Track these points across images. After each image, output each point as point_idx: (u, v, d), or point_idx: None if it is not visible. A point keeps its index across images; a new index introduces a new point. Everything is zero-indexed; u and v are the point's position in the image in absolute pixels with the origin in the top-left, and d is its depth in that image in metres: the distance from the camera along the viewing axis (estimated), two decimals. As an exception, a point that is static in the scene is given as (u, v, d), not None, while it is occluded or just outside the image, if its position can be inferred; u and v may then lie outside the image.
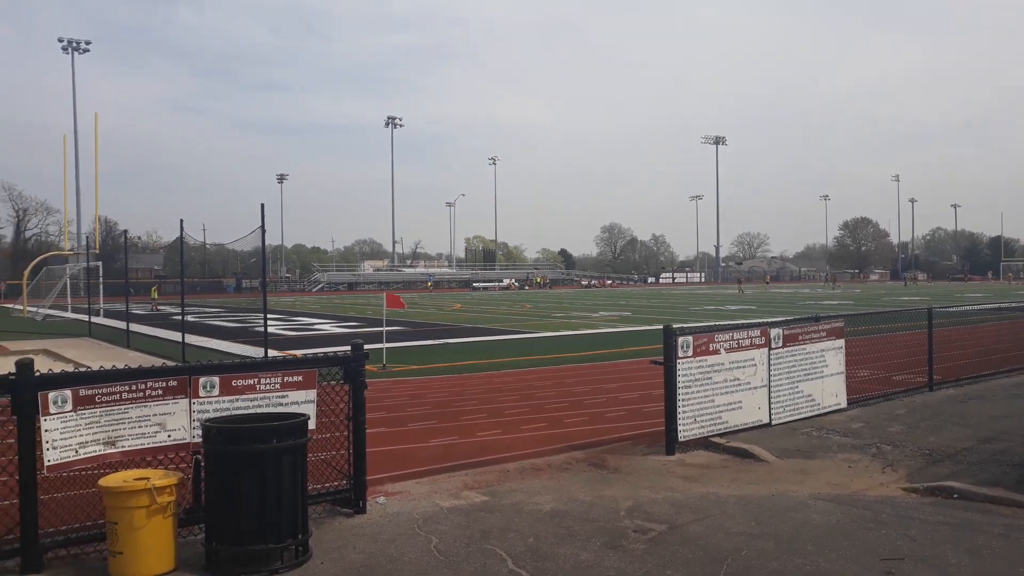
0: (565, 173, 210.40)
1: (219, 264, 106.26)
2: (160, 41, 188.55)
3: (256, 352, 19.11)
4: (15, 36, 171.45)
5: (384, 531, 6.06)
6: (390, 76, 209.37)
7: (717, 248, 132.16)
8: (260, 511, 5.23)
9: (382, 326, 19.95)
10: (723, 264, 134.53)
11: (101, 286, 38.22)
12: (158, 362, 17.06)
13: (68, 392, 5.45)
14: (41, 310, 40.27)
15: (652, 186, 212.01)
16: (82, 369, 5.79)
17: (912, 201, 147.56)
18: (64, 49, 76.32)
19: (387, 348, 18.06)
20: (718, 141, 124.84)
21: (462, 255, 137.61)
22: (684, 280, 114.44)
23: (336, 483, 6.61)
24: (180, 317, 21.45)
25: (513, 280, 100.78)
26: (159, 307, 47.47)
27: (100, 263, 39.01)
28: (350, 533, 6.04)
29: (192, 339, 20.68)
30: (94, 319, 29.16)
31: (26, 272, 45.65)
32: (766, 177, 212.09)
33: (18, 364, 5.41)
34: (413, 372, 16.00)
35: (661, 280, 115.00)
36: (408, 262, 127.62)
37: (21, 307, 42.76)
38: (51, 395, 5.38)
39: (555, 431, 10.00)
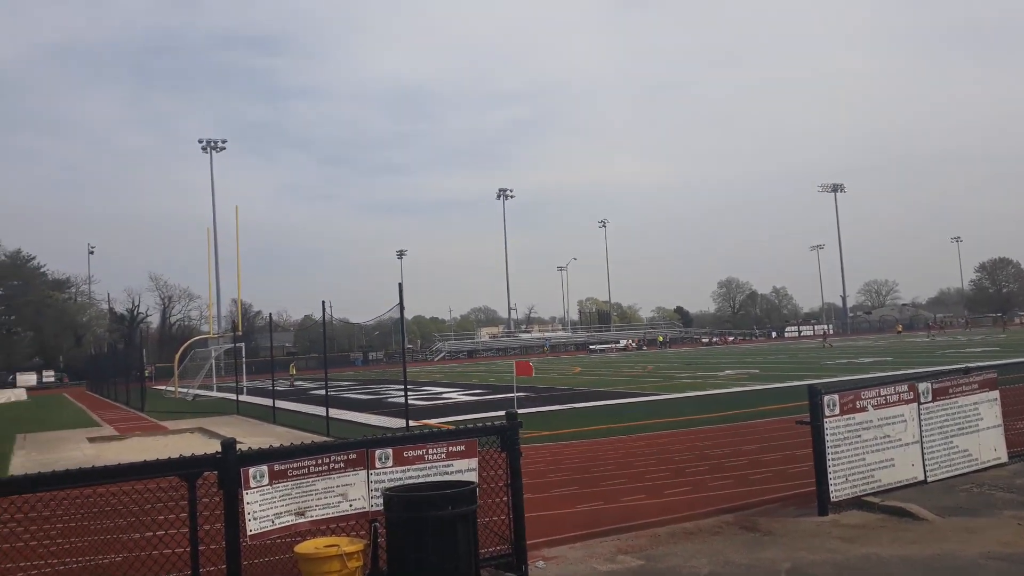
0: (677, 230, 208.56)
1: (345, 338, 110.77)
2: (285, 134, 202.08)
3: (394, 422, 19.92)
4: (158, 140, 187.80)
5: (549, 594, 6.32)
6: (499, 150, 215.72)
7: (843, 298, 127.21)
8: (439, 574, 5.62)
9: (506, 392, 20.45)
10: (851, 314, 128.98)
11: (244, 365, 40.70)
12: (307, 436, 18.08)
13: (265, 467, 6.08)
14: (191, 390, 43.16)
15: (770, 238, 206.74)
16: (242, 446, 6.40)
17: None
18: (203, 149, 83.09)
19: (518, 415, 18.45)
20: (836, 188, 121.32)
21: (576, 318, 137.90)
22: (811, 333, 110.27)
23: (497, 548, 6.94)
24: (317, 391, 22.67)
25: (631, 340, 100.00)
26: (296, 382, 49.94)
27: (243, 344, 41.60)
28: (517, 596, 6.33)
29: (333, 412, 21.76)
30: (240, 397, 31.05)
31: (176, 355, 49.16)
32: (890, 221, 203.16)
33: (223, 444, 6.09)
34: (545, 438, 16.28)
35: (786, 334, 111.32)
36: (523, 327, 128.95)
37: (172, 388, 45.94)
38: (251, 470, 6.02)
39: (700, 495, 10.02)
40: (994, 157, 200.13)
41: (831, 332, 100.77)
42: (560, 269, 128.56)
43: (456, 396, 31.05)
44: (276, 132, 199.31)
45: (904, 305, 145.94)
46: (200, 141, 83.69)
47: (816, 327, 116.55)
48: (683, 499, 9.80)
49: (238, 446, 6.08)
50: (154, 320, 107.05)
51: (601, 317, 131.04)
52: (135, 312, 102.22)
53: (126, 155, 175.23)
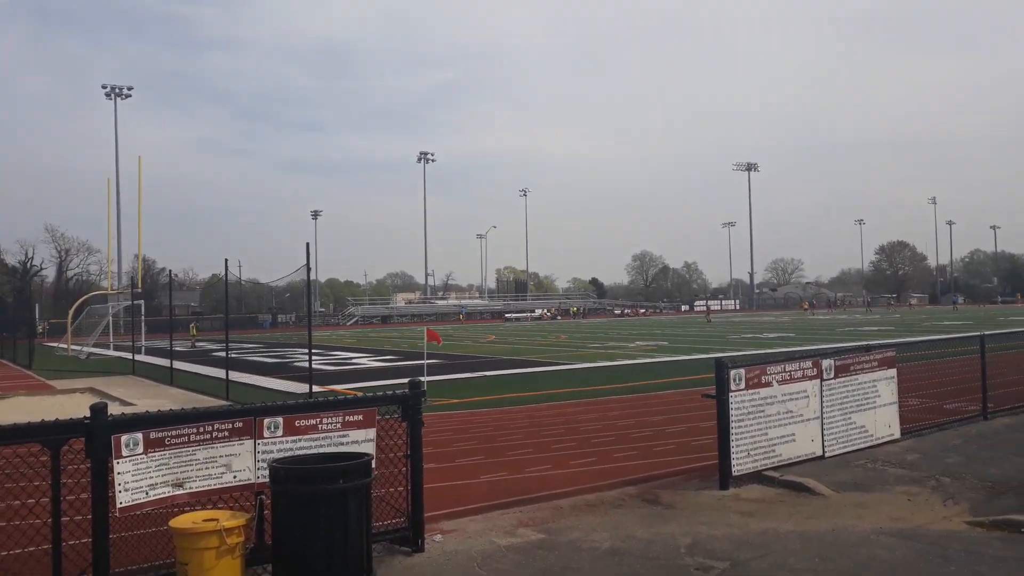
0: (595, 203, 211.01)
1: (254, 300, 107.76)
2: (198, 86, 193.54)
3: (298, 387, 19.31)
4: (61, 84, 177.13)
5: (444, 570, 6.08)
6: (422, 113, 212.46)
7: (751, 275, 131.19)
8: (327, 551, 5.30)
9: (418, 359, 20.13)
10: (757, 291, 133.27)
11: (143, 324, 38.91)
12: (205, 400, 17.32)
13: (140, 435, 5.59)
14: (85, 348, 41.07)
15: (683, 214, 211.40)
16: (131, 408, 5.92)
17: (950, 223, 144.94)
18: (107, 95, 78.65)
19: (427, 381, 18.14)
20: (750, 167, 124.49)
21: (493, 286, 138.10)
22: (718, 307, 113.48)
23: (393, 521, 6.65)
24: (220, 353, 21.81)
25: (545, 310, 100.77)
26: (198, 343, 48.21)
27: (142, 301, 39.77)
28: (410, 572, 6.07)
29: (234, 375, 20.95)
30: (137, 356, 29.67)
31: (71, 311, 46.67)
32: (799, 202, 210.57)
33: (92, 408, 5.56)
34: (454, 406, 16.04)
35: (695, 308, 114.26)
36: (440, 294, 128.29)
37: (65, 346, 43.65)
38: (123, 438, 5.52)
39: (604, 466, 9.96)
40: (899, 144, 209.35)
41: (716, 309, 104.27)
42: (479, 237, 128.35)
43: (366, 362, 30.48)
44: (191, 84, 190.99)
45: (808, 283, 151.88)
46: (104, 87, 79.21)
47: (723, 302, 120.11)
48: (588, 471, 9.71)
49: (130, 408, 5.59)
50: (49, 274, 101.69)
51: (518, 286, 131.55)
52: (28, 264, 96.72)
53: (23, 97, 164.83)
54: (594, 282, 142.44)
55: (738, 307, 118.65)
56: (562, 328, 61.28)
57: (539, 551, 6.50)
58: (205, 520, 5.38)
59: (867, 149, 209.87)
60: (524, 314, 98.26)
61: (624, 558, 6.24)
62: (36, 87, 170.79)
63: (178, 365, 24.81)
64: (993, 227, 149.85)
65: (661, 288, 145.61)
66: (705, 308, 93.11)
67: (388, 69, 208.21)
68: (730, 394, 8.65)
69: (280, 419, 6.12)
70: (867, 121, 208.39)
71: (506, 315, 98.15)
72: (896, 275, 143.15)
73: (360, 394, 8.09)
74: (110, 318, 43.67)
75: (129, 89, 79.78)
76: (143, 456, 5.60)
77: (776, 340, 36.74)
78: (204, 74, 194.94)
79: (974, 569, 5.72)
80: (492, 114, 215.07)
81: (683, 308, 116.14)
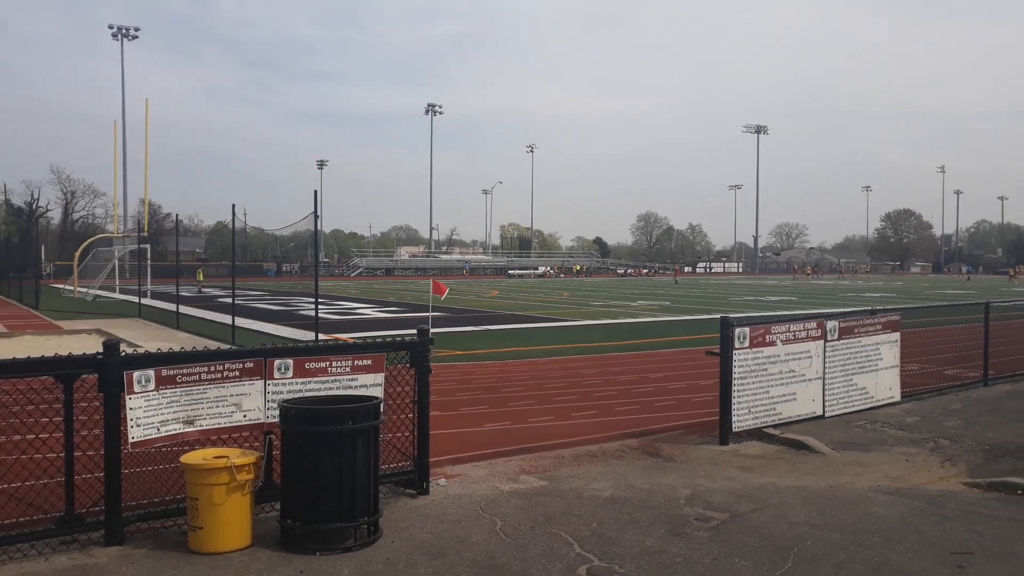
0: (602, 161, 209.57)
1: (259, 248, 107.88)
2: (206, 32, 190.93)
3: (304, 335, 19.42)
4: (67, 24, 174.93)
5: (449, 513, 6.20)
6: (431, 66, 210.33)
7: (756, 238, 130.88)
8: (336, 490, 5.39)
9: (421, 311, 20.22)
10: (761, 255, 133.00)
11: (149, 268, 39.02)
12: (212, 344, 17.45)
13: (151, 372, 5.66)
14: (91, 291, 41.26)
15: (690, 175, 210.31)
16: (140, 349, 5.98)
17: (957, 193, 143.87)
18: (114, 36, 77.70)
19: (433, 333, 18.24)
20: (759, 130, 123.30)
21: (497, 242, 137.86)
22: (721, 270, 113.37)
23: (399, 464, 6.75)
24: (225, 299, 21.93)
25: (549, 268, 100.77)
26: (204, 288, 48.39)
27: (148, 246, 39.81)
28: (416, 514, 6.19)
29: (240, 321, 21.08)
30: (143, 300, 29.81)
31: (77, 253, 46.77)
32: (807, 167, 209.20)
33: (105, 344, 5.62)
34: (458, 358, 16.16)
35: (697, 270, 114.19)
36: (444, 248, 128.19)
37: (71, 288, 43.80)
38: (135, 374, 5.58)
39: (606, 419, 10.07)
40: (908, 112, 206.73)
41: (684, 271, 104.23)
42: (485, 192, 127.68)
43: (371, 312, 30.61)
44: (199, 28, 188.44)
45: (811, 249, 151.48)
46: (111, 27, 78.12)
47: (726, 264, 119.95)
48: (589, 422, 9.83)
49: (136, 349, 5.62)
50: (55, 216, 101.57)
51: (522, 243, 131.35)
52: (34, 206, 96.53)
53: (29, 38, 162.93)
54: (598, 241, 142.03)
55: (741, 270, 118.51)
56: (565, 286, 61.36)
57: (541, 497, 6.61)
58: (215, 457, 5.47)
59: (877, 116, 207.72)
60: (528, 271, 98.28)
61: (624, 506, 6.35)
62: (41, 27, 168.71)
63: (184, 310, 24.95)
64: (1001, 198, 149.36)
65: (665, 249, 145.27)
66: (674, 270, 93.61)
67: (398, 19, 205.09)
68: (734, 351, 8.70)
69: (291, 361, 6.18)
70: (878, 87, 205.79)
71: (510, 271, 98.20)
72: (900, 243, 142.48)
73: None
74: (116, 261, 43.78)
75: (136, 30, 78.71)
76: (155, 393, 5.67)
77: (778, 303, 36.79)
78: (212, 20, 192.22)
79: (970, 527, 5.81)
80: (501, 69, 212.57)
81: (686, 269, 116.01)
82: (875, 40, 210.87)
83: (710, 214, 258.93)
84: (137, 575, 4.98)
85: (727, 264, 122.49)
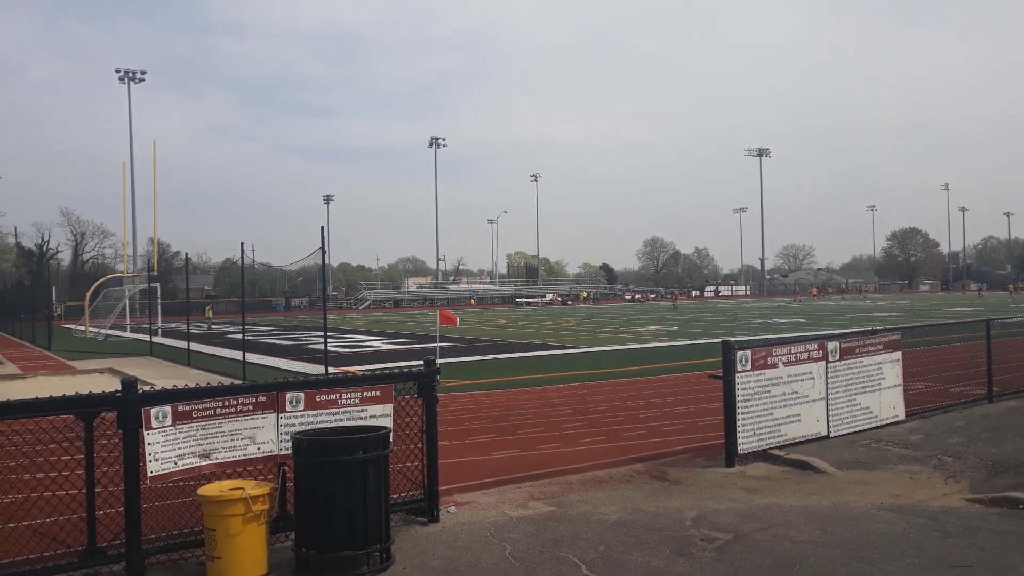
0: (606, 188, 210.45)
1: (268, 283, 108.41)
2: (208, 71, 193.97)
3: (314, 368, 19.61)
4: (72, 70, 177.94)
5: (459, 539, 6.34)
6: (432, 99, 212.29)
7: (762, 261, 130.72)
8: (348, 519, 5.55)
9: (430, 342, 20.41)
10: (768, 277, 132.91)
11: (159, 306, 39.40)
12: (224, 380, 17.65)
13: (168, 408, 5.85)
14: (102, 330, 41.61)
15: (695, 199, 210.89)
16: (155, 387, 6.17)
17: (963, 210, 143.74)
18: (121, 79, 79.02)
19: (439, 363, 18.41)
20: (761, 153, 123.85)
21: (504, 271, 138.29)
22: (729, 293, 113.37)
23: (410, 493, 6.90)
24: (235, 335, 22.20)
25: (556, 295, 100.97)
26: (213, 325, 48.71)
27: (158, 284, 40.22)
28: (427, 540, 6.33)
29: (251, 357, 21.30)
30: (154, 338, 30.09)
31: (88, 294, 47.22)
32: (811, 188, 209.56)
33: (123, 382, 5.83)
34: (467, 387, 16.31)
35: (705, 293, 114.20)
36: (451, 279, 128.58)
37: (83, 328, 44.19)
38: (153, 411, 5.78)
39: (613, 444, 10.20)
40: (912, 129, 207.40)
41: (692, 295, 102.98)
42: (490, 222, 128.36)
43: (379, 344, 30.81)
44: (201, 68, 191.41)
45: (819, 269, 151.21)
46: (118, 71, 79.52)
47: (734, 288, 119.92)
48: (597, 448, 9.96)
49: (151, 387, 5.83)
50: (65, 257, 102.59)
51: (529, 271, 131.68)
52: (44, 247, 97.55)
53: (38, 83, 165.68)
54: (605, 267, 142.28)
55: (748, 293, 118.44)
56: (572, 313, 61.48)
57: (550, 522, 6.74)
58: (231, 489, 5.64)
59: (880, 135, 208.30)
60: (535, 299, 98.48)
61: (631, 529, 6.48)
62: (48, 72, 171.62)
63: (195, 347, 25.19)
64: (1007, 214, 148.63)
65: (672, 274, 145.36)
66: (673, 294, 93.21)
67: (398, 54, 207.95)
68: (736, 375, 8.86)
69: (302, 394, 6.37)
70: (880, 106, 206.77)
71: (517, 300, 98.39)
72: (908, 261, 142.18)
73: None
74: (127, 301, 44.21)
75: (143, 73, 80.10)
76: (172, 428, 5.86)
77: (786, 325, 36.83)
78: (214, 59, 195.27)
79: (971, 542, 5.92)
80: (503, 100, 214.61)
81: (693, 294, 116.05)
82: (875, 57, 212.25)
83: (716, 238, 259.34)
84: (158, 605, 5.14)
85: (735, 287, 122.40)
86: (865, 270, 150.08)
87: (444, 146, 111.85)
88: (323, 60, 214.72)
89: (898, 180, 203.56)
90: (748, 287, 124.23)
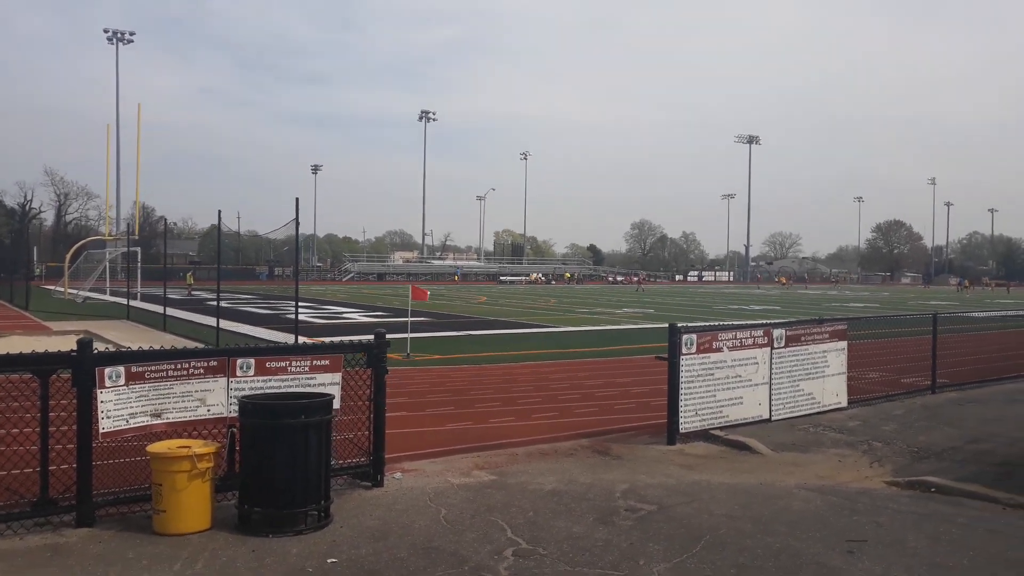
0: (596, 168, 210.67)
1: (252, 251, 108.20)
2: (203, 33, 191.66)
3: (286, 338, 19.87)
4: (63, 28, 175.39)
5: (398, 502, 6.68)
6: (425, 71, 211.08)
7: (747, 247, 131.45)
8: (289, 479, 5.88)
9: (406, 316, 20.65)
10: (753, 263, 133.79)
11: (139, 271, 39.45)
12: (195, 345, 17.91)
13: (122, 368, 6.14)
14: (81, 292, 41.66)
15: (684, 184, 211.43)
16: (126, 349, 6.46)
17: (948, 205, 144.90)
18: (109, 40, 78.15)
19: (411, 338, 18.72)
20: (751, 140, 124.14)
21: (491, 248, 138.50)
22: (712, 279, 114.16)
23: (357, 459, 7.24)
24: (215, 303, 22.41)
25: (540, 275, 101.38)
26: (194, 292, 48.78)
27: (139, 249, 40.23)
28: (368, 503, 6.67)
29: (225, 324, 21.54)
30: (132, 302, 30.21)
31: (68, 255, 47.11)
32: (800, 177, 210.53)
33: (79, 343, 6.11)
34: (435, 362, 16.65)
35: (689, 278, 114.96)
36: (437, 254, 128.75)
37: (62, 289, 44.16)
38: (107, 370, 6.07)
39: (564, 420, 10.57)
40: (900, 123, 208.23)
41: (646, 279, 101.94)
42: (479, 199, 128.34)
43: (357, 316, 31.07)
44: (193, 30, 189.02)
45: (804, 258, 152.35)
46: (106, 31, 78.63)
47: (718, 273, 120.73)
48: (548, 423, 10.32)
49: (120, 349, 6.10)
50: (48, 217, 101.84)
51: (515, 249, 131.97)
52: (27, 207, 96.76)
53: (26, 38, 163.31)
54: (592, 248, 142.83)
55: (731, 279, 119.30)
56: (553, 293, 61.89)
57: (488, 490, 7.10)
58: (179, 447, 5.96)
59: (869, 127, 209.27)
60: (519, 277, 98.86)
61: (563, 498, 6.84)
62: (35, 27, 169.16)
63: (172, 312, 25.37)
64: (991, 210, 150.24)
65: (659, 257, 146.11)
66: (637, 278, 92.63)
67: (393, 23, 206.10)
68: (681, 356, 9.22)
69: (252, 360, 6.67)
70: (870, 98, 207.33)
71: (500, 277, 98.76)
72: (892, 254, 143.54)
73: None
74: (107, 263, 44.19)
75: (131, 34, 79.21)
76: (124, 387, 6.15)
77: (760, 312, 37.36)
78: (206, 21, 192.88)
79: (874, 519, 6.32)
80: (496, 74, 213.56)
81: (677, 278, 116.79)
82: (869, 49, 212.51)
83: (704, 223, 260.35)
84: (104, 552, 5.45)
85: (718, 273, 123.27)
86: (850, 260, 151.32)
87: (435, 120, 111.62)
88: (316, 25, 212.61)
89: (886, 173, 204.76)
90: (732, 273, 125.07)
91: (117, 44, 78.34)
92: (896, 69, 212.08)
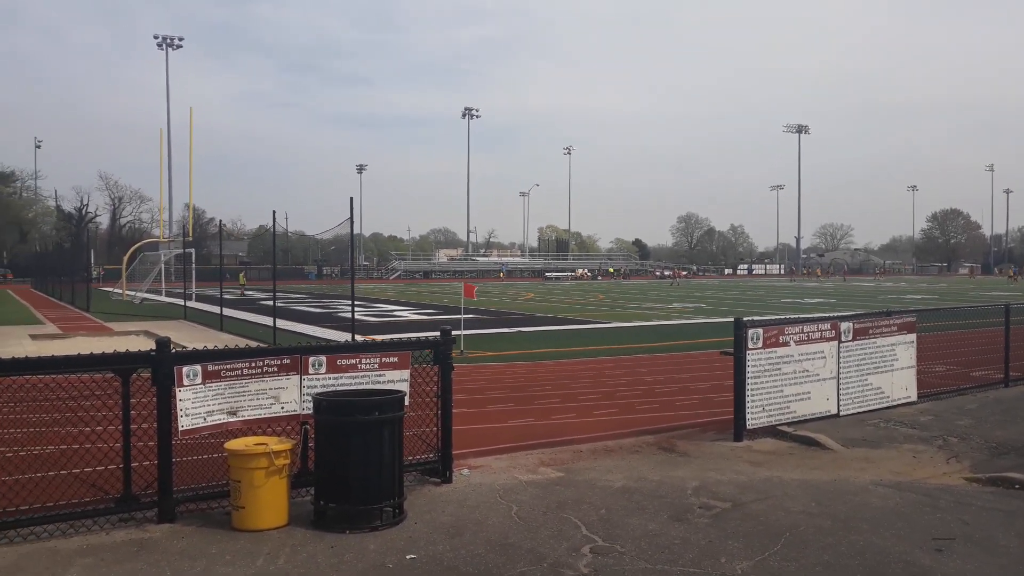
0: (641, 162, 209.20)
1: (300, 251, 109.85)
2: (247, 37, 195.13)
3: (341, 336, 20.11)
4: (114, 35, 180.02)
5: (469, 499, 6.69)
6: (467, 68, 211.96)
7: (798, 240, 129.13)
8: (364, 475, 5.92)
9: (457, 313, 20.76)
10: (804, 256, 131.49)
11: (194, 272, 40.30)
12: (253, 343, 18.22)
13: (199, 367, 6.25)
14: (138, 294, 42.71)
15: (731, 176, 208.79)
16: (187, 348, 6.57)
17: (1007, 192, 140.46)
18: (159, 46, 79.98)
19: (464, 335, 18.78)
20: (800, 130, 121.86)
21: (535, 244, 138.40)
22: (763, 272, 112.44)
23: (426, 455, 7.27)
24: (267, 302, 22.77)
25: (585, 270, 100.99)
26: (246, 292, 49.67)
27: (193, 250, 41.11)
28: (439, 499, 6.70)
29: (281, 323, 21.86)
30: (188, 303, 30.88)
31: (125, 258, 48.40)
32: (851, 166, 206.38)
33: (158, 342, 6.24)
34: (489, 358, 16.67)
35: (739, 271, 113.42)
36: (482, 251, 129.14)
37: (120, 291, 45.36)
38: (185, 369, 6.18)
39: (627, 416, 10.48)
40: (955, 108, 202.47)
41: (684, 273, 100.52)
42: (522, 195, 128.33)
43: (407, 315, 31.31)
44: (237, 35, 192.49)
45: (856, 250, 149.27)
46: (156, 37, 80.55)
47: (768, 266, 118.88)
48: (610, 420, 10.25)
49: (183, 348, 6.22)
50: (103, 221, 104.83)
51: (560, 245, 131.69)
52: (84, 211, 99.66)
53: (79, 49, 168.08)
54: (637, 243, 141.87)
55: (781, 272, 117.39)
56: (601, 288, 61.60)
57: (556, 487, 7.07)
58: (256, 444, 6.04)
59: (922, 113, 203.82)
60: (565, 273, 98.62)
61: (634, 495, 6.78)
62: (88, 38, 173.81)
63: (227, 312, 25.87)
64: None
65: (706, 251, 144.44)
66: (672, 271, 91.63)
67: (434, 22, 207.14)
68: (747, 351, 9.07)
69: (324, 358, 6.74)
70: (923, 84, 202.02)
71: (546, 274, 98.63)
72: (948, 244, 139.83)
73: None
74: (162, 265, 45.22)
75: (180, 39, 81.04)
76: (202, 386, 6.26)
77: (815, 305, 36.70)
78: (251, 27, 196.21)
79: (959, 517, 6.14)
80: (538, 70, 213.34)
81: (727, 272, 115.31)
82: (919, 34, 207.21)
83: (753, 215, 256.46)
84: (187, 548, 5.56)
85: (768, 266, 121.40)
86: (904, 251, 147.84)
87: (477, 117, 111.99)
88: (358, 27, 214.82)
89: (941, 160, 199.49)
90: (782, 266, 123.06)
91: (167, 50, 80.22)
92: (948, 53, 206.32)
